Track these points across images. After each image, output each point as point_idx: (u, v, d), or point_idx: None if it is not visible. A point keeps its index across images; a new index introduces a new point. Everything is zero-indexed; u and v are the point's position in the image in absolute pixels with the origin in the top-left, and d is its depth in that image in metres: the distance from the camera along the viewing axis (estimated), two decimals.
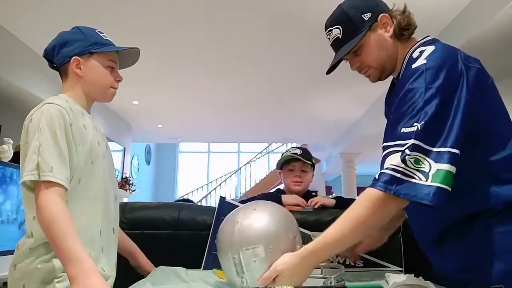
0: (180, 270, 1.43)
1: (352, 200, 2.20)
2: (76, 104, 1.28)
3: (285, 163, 2.08)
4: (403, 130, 0.98)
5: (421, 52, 1.07)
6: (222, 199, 1.74)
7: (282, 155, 2.13)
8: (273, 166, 10.76)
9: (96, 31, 1.36)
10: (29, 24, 3.77)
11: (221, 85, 5.51)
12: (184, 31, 4.00)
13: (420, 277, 1.07)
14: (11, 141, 3.76)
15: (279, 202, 1.90)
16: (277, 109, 6.54)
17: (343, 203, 1.97)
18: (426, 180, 0.93)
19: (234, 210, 1.15)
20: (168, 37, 4.12)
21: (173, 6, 3.53)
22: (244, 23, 3.85)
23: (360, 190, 8.98)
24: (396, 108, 1.04)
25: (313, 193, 2.12)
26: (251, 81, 5.37)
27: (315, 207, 1.88)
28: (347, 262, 1.56)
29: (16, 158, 3.56)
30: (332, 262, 1.42)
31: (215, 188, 10.95)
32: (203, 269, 1.57)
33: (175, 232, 1.73)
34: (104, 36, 1.36)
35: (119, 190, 6.46)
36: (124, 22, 3.78)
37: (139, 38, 4.05)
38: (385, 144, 1.01)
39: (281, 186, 2.24)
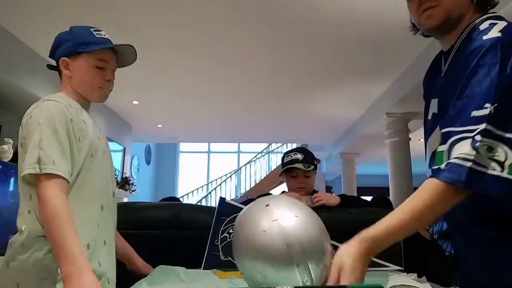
0: (180, 270, 1.42)
1: (356, 198, 2.18)
2: (73, 101, 1.29)
3: (287, 169, 2.03)
4: (474, 113, 0.85)
5: (492, 24, 0.95)
6: (222, 199, 1.74)
7: (284, 158, 2.07)
8: (273, 166, 10.75)
9: (91, 29, 1.35)
10: (29, 25, 3.77)
11: (221, 85, 5.51)
12: (184, 32, 4.00)
13: (424, 277, 1.06)
14: (11, 141, 3.76)
15: None
16: (277, 109, 6.54)
17: (347, 202, 1.95)
18: (502, 171, 0.82)
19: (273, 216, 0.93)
20: (168, 37, 4.12)
21: (173, 6, 3.53)
22: (245, 24, 3.84)
23: (360, 190, 8.97)
24: (463, 87, 0.91)
25: (317, 191, 2.10)
26: (251, 81, 5.37)
27: (315, 205, 1.84)
28: None
29: (16, 158, 3.56)
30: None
31: (215, 188, 10.94)
32: (203, 269, 1.57)
33: (175, 232, 1.73)
34: (99, 34, 1.35)
35: (119, 190, 6.50)
36: (125, 22, 3.77)
37: (139, 38, 4.04)
38: (451, 129, 0.88)
39: (285, 187, 2.21)
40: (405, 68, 4.77)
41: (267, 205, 0.92)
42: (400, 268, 1.59)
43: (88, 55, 1.31)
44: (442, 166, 0.86)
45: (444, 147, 0.88)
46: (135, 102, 6.22)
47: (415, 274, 1.13)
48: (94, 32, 1.34)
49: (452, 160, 0.85)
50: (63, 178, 1.12)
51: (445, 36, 1.04)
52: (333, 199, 1.90)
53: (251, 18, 3.75)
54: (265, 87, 5.60)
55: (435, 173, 0.87)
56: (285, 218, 0.89)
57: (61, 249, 1.07)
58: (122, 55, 1.40)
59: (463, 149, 0.83)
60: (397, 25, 3.66)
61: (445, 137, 0.89)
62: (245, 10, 3.60)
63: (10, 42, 3.93)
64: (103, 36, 1.35)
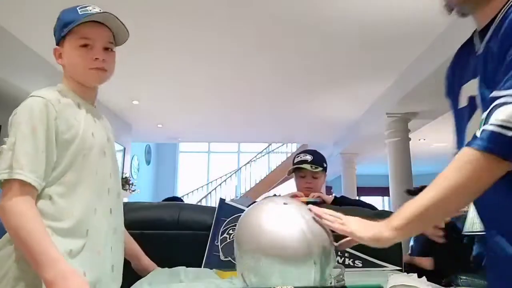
0: (180, 269, 1.43)
1: (351, 199, 2.23)
2: (69, 94, 1.20)
3: (296, 169, 2.09)
4: None
5: None
6: (222, 201, 1.75)
7: (294, 158, 2.14)
8: (273, 166, 10.75)
9: (78, 8, 1.21)
10: (29, 24, 3.77)
11: (222, 85, 5.52)
12: (185, 32, 4.00)
13: (424, 277, 1.06)
14: None
15: None
16: (277, 109, 6.55)
17: (342, 200, 2.02)
18: None
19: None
20: (168, 37, 4.12)
21: (173, 6, 3.53)
22: (245, 24, 3.85)
23: (360, 190, 8.97)
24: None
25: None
26: (251, 81, 5.37)
27: (314, 196, 1.96)
28: (347, 262, 1.56)
29: None
30: None
31: (215, 188, 10.94)
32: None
33: (175, 232, 1.73)
34: (83, 10, 1.21)
35: None
36: (125, 23, 3.77)
37: (139, 38, 4.04)
38: (495, 93, 0.79)
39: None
40: (405, 68, 4.77)
41: (284, 204, 0.93)
42: (399, 268, 1.59)
43: (70, 36, 1.18)
44: (478, 133, 0.79)
45: (485, 114, 0.80)
46: (135, 102, 6.22)
47: (415, 274, 1.13)
48: (79, 10, 1.20)
49: (488, 127, 0.77)
50: (30, 184, 1.04)
51: (479, 9, 0.95)
52: (326, 197, 2.02)
53: (252, 18, 3.75)
54: (265, 87, 5.60)
55: (470, 142, 0.80)
56: (309, 219, 0.92)
57: (37, 256, 0.98)
58: (116, 31, 1.29)
59: (503, 115, 0.76)
60: (397, 25, 3.66)
61: (490, 102, 0.81)
62: (246, 10, 3.61)
63: (10, 42, 3.93)
64: (88, 11, 1.20)
